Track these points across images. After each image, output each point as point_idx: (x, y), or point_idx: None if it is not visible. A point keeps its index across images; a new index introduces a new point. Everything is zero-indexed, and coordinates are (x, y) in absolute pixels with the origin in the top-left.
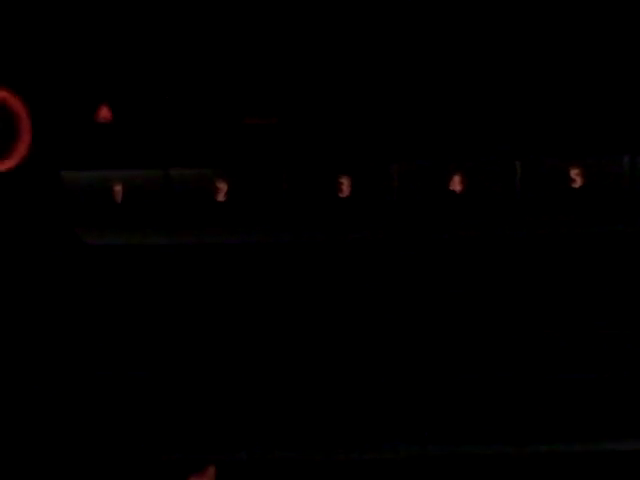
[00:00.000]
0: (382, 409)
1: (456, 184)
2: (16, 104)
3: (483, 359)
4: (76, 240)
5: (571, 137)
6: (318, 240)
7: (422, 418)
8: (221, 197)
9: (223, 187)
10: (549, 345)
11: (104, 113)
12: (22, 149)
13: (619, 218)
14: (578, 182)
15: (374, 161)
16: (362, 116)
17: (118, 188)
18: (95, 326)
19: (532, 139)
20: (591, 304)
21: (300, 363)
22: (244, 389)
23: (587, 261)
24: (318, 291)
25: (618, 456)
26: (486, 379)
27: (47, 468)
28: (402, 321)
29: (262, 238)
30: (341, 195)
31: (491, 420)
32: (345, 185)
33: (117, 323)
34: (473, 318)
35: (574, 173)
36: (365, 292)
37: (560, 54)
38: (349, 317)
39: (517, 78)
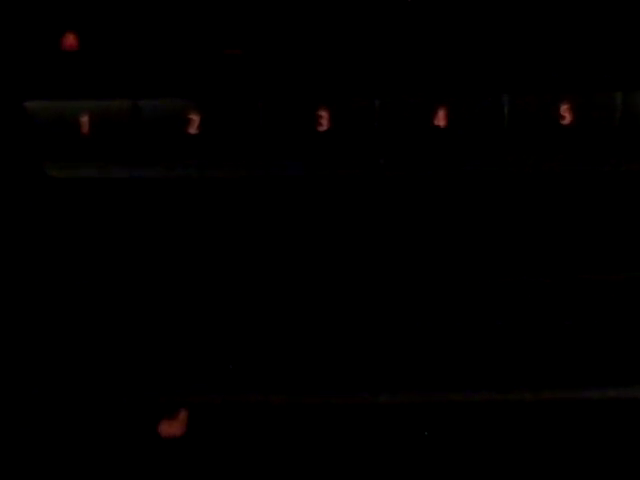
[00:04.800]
0: (365, 352)
1: (440, 119)
2: None
3: (469, 301)
4: (40, 173)
5: (561, 72)
6: (294, 175)
7: (409, 363)
8: (193, 129)
9: (196, 119)
10: (535, 287)
11: (70, 40)
12: None
13: (609, 157)
14: (567, 119)
15: (355, 94)
16: (343, 46)
17: (85, 119)
18: (61, 262)
19: (521, 73)
20: (580, 245)
21: (279, 302)
22: (219, 328)
23: (575, 200)
24: (295, 228)
25: (604, 404)
26: (473, 321)
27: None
28: (385, 261)
29: (236, 173)
30: (320, 129)
31: (478, 366)
32: (324, 118)
33: (83, 259)
34: (459, 258)
35: (564, 109)
36: (344, 230)
37: None
38: (329, 256)
39: (505, 8)
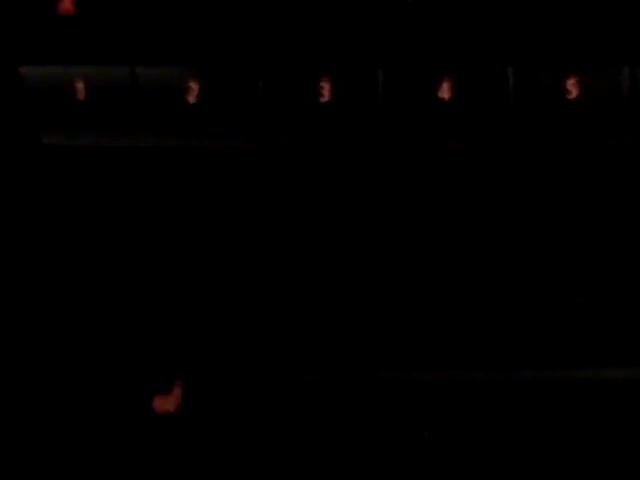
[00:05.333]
0: (361, 329)
1: (445, 91)
2: None
3: (471, 278)
4: (35, 141)
5: (568, 45)
6: (294, 147)
7: (407, 342)
8: (192, 98)
9: (195, 87)
10: (541, 264)
11: (66, 4)
12: None
13: (616, 132)
14: (574, 93)
15: (358, 64)
16: (346, 15)
17: (80, 85)
18: (56, 233)
19: (526, 46)
20: (584, 222)
21: (275, 277)
22: (215, 304)
23: (581, 175)
24: (295, 200)
25: (604, 384)
26: (474, 301)
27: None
28: (385, 235)
29: (235, 143)
30: (321, 100)
31: (478, 346)
32: (326, 89)
33: (78, 229)
34: (461, 234)
35: (570, 84)
36: (345, 203)
37: None
38: (328, 229)
39: None
